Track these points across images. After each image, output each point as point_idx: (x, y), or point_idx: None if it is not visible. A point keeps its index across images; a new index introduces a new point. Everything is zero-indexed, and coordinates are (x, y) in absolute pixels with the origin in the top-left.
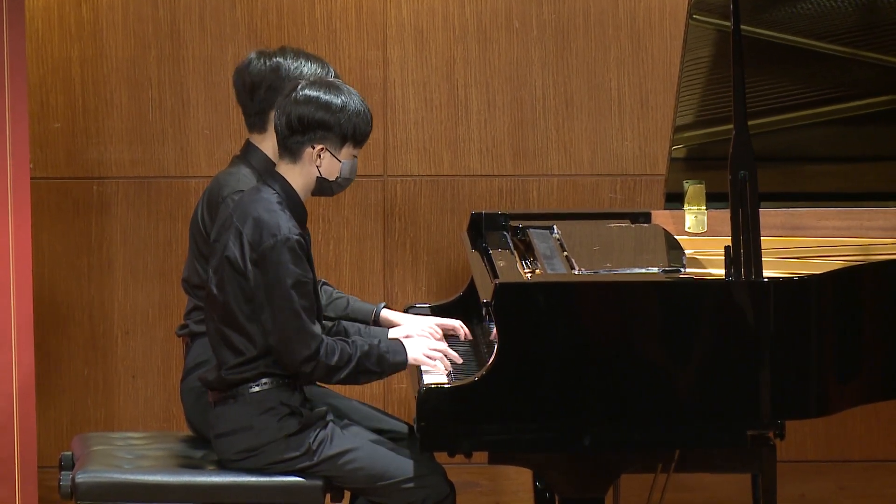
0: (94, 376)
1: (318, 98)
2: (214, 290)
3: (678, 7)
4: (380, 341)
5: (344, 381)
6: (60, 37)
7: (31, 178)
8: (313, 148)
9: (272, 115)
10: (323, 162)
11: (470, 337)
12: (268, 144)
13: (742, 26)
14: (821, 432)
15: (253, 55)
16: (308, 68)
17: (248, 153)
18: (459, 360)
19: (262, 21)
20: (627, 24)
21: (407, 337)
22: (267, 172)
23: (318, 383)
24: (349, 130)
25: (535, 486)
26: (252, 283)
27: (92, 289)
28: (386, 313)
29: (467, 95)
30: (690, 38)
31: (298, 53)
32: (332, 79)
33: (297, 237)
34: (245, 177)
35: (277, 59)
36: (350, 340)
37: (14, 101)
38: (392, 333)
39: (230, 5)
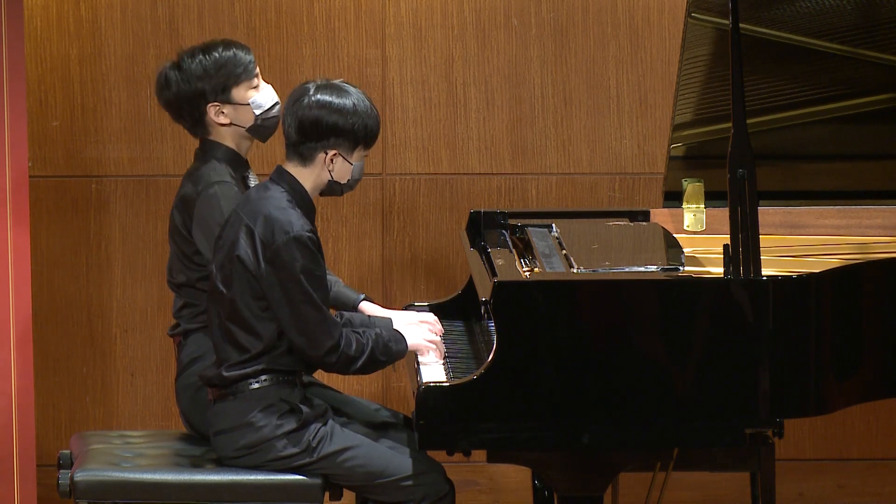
0: (92, 375)
1: (330, 103)
2: (221, 287)
3: (677, 5)
4: (382, 331)
5: (358, 372)
6: (59, 35)
7: (30, 177)
8: (326, 153)
9: (206, 119)
10: (335, 167)
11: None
12: (222, 138)
13: (741, 24)
14: (819, 431)
15: (160, 74)
16: (206, 61)
17: (210, 149)
18: (443, 351)
19: (261, 19)
20: (626, 23)
21: (407, 325)
22: (275, 171)
23: (312, 381)
24: (361, 134)
25: (533, 484)
26: (265, 281)
27: (90, 287)
28: (364, 305)
29: (466, 94)
30: (689, 36)
31: (194, 51)
32: (339, 82)
33: (308, 233)
34: (216, 169)
35: (172, 72)
36: (360, 331)
37: (13, 100)
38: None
39: (229, 4)
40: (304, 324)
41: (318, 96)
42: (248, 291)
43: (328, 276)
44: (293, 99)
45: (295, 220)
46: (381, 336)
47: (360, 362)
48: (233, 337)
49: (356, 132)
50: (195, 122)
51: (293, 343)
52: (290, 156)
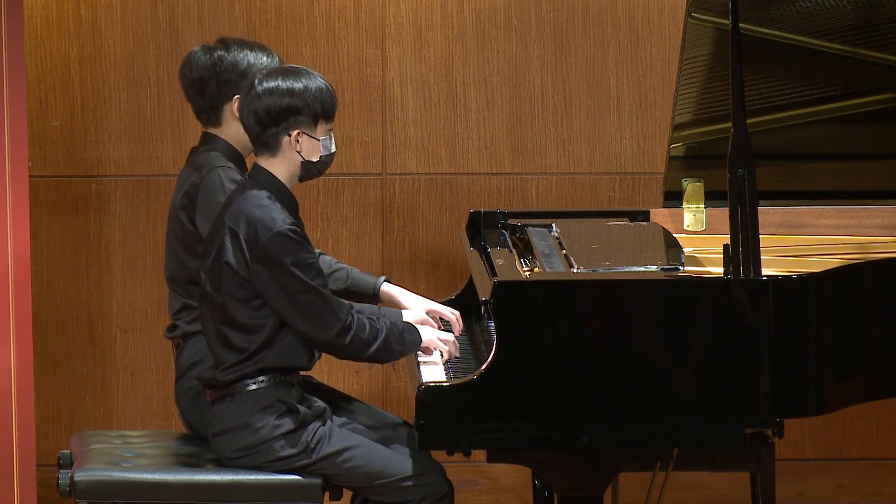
0: (92, 375)
1: (278, 87)
2: (212, 292)
3: (677, 5)
4: (396, 320)
5: (373, 358)
6: (59, 35)
7: (30, 177)
8: (289, 135)
9: (226, 108)
10: (302, 146)
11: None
12: (227, 134)
13: (741, 24)
14: (819, 430)
15: (196, 49)
16: (252, 58)
17: (209, 142)
18: (458, 354)
19: (261, 19)
20: (626, 23)
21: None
22: (251, 170)
23: (311, 381)
24: (318, 108)
25: (534, 484)
26: (258, 281)
27: (90, 287)
28: (386, 287)
29: (466, 94)
30: (689, 36)
31: (241, 44)
32: (286, 65)
33: (290, 226)
34: (215, 156)
35: (220, 52)
36: (374, 317)
37: (13, 100)
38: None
39: (229, 4)
40: (307, 312)
41: (266, 84)
42: (238, 294)
43: (341, 266)
44: (244, 94)
45: (276, 216)
46: (395, 325)
47: (374, 346)
48: (227, 340)
49: (311, 106)
50: (215, 108)
51: (303, 334)
52: (258, 150)
